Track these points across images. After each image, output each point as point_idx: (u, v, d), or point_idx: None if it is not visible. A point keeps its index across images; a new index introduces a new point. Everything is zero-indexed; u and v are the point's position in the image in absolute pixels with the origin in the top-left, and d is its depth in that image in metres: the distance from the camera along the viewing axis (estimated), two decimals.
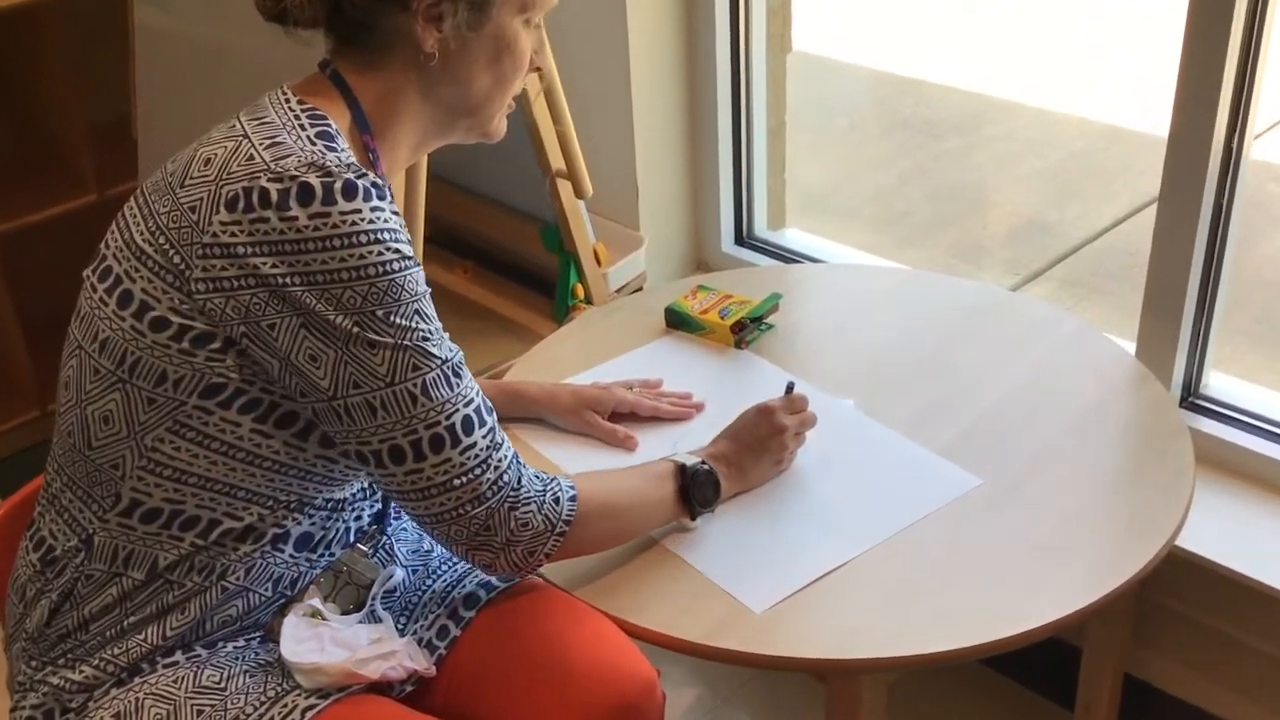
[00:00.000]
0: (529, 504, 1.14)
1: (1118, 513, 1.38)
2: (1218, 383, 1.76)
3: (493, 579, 1.28)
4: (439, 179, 2.05)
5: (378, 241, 1.06)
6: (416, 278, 1.09)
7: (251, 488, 1.14)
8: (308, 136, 1.10)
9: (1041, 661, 1.84)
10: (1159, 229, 1.65)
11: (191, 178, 1.10)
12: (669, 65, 2.08)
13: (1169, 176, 1.62)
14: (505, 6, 1.16)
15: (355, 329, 1.06)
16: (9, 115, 2.53)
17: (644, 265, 2.14)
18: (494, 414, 1.15)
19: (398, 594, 1.29)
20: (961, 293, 1.82)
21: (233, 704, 1.13)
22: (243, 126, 1.11)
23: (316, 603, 1.22)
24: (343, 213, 1.05)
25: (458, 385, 1.10)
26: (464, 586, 1.28)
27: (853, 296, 1.82)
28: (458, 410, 1.10)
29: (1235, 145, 1.58)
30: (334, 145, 1.10)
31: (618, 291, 2.09)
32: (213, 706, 1.13)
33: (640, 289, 2.10)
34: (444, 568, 1.31)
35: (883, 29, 4.94)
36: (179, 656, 1.18)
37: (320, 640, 1.18)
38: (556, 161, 1.88)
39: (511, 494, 1.13)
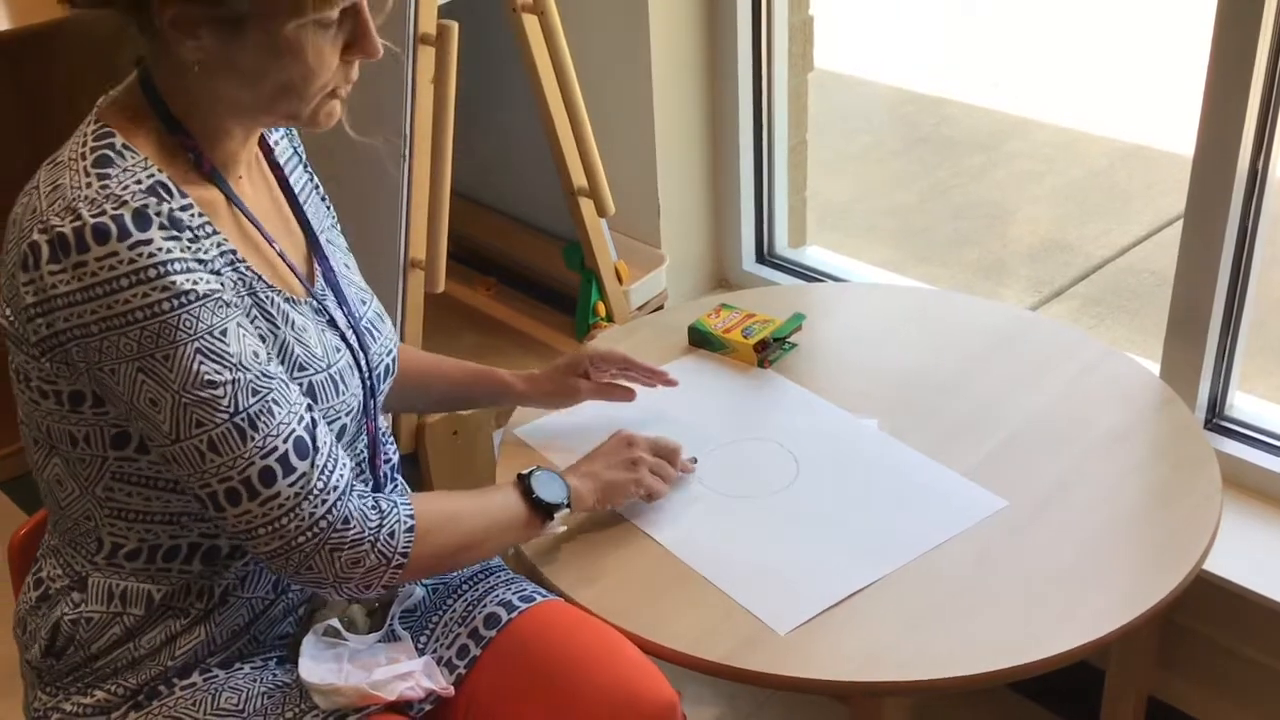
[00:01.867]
0: (358, 544, 1.10)
1: (1144, 537, 1.37)
2: (1243, 404, 1.75)
3: (513, 598, 1.28)
4: (461, 196, 2.06)
5: (141, 282, 1.00)
6: (196, 314, 1.03)
7: None
8: (84, 168, 1.04)
9: (1065, 684, 1.82)
10: (1183, 250, 1.65)
11: (6, 240, 1.08)
12: (691, 84, 2.08)
13: (1194, 197, 1.61)
14: (269, 19, 1.04)
15: (141, 377, 1.03)
16: (32, 135, 2.56)
17: (665, 283, 2.14)
18: (318, 450, 1.08)
19: (418, 613, 1.29)
20: (984, 314, 1.82)
21: None
22: (39, 175, 1.08)
23: (335, 622, 1.22)
24: (98, 259, 1.00)
25: (253, 437, 1.05)
26: (485, 606, 1.27)
27: (875, 316, 1.82)
28: (253, 464, 1.05)
29: (1260, 166, 1.57)
30: (108, 171, 1.04)
31: (639, 309, 2.09)
32: None
33: (661, 307, 2.10)
34: (465, 586, 1.31)
35: (904, 47, 4.94)
36: (196, 678, 1.18)
37: (338, 660, 1.18)
38: (578, 179, 1.89)
39: (335, 535, 1.09)
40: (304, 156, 1.31)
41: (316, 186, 1.31)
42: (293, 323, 1.13)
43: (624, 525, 1.40)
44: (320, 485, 1.08)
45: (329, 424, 1.15)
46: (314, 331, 1.16)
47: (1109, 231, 3.43)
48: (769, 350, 1.68)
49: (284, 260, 1.16)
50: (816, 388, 1.62)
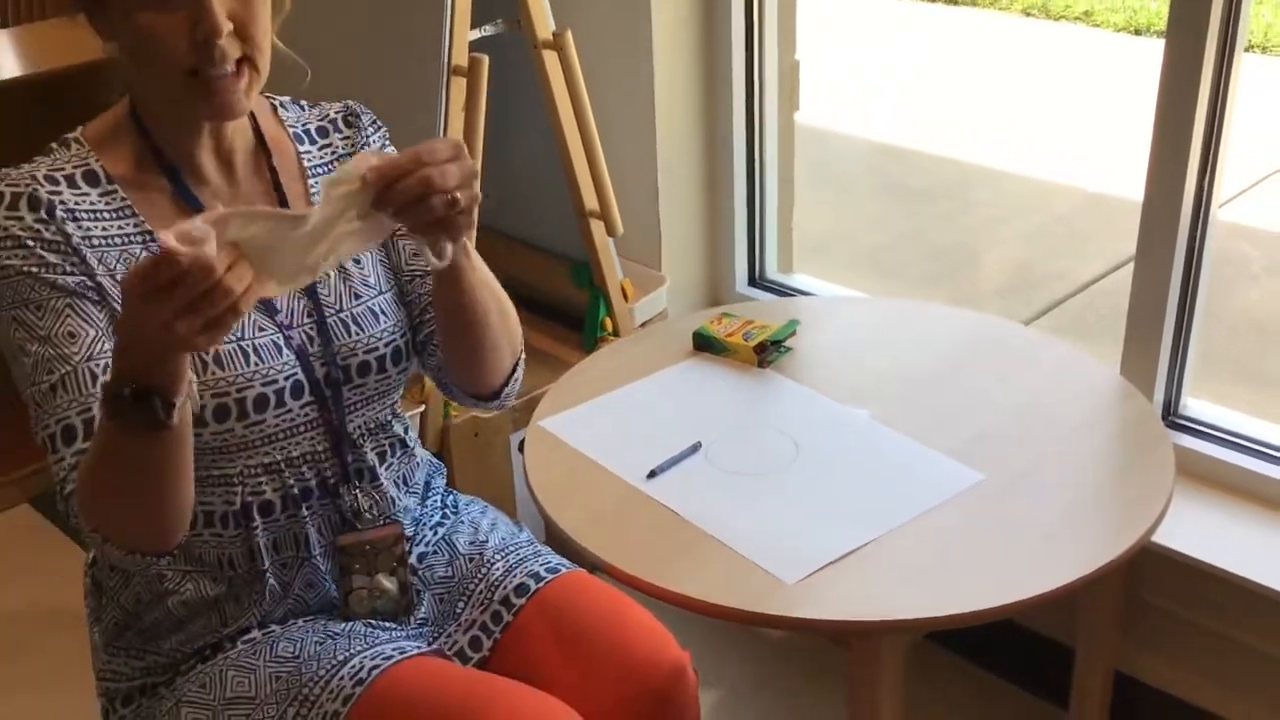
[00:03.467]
0: (73, 519, 1.17)
1: (1108, 503, 1.55)
2: (1195, 405, 1.94)
3: (540, 570, 1.38)
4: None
5: None
6: (8, 287, 1.15)
7: (199, 473, 1.18)
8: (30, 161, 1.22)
9: (1036, 662, 1.99)
10: (1138, 273, 1.83)
11: None
12: (690, 120, 2.27)
13: (1145, 231, 1.80)
14: (116, 6, 1.14)
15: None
16: None
17: (666, 302, 2.31)
18: (73, 445, 1.14)
19: (455, 579, 1.42)
20: (963, 321, 2.00)
21: (306, 669, 1.25)
22: None
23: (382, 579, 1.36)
24: None
25: (46, 405, 1.15)
26: (515, 576, 1.38)
27: (862, 324, 1.99)
28: (48, 427, 1.15)
29: (1203, 206, 1.76)
30: (41, 159, 1.22)
31: (641, 326, 2.26)
32: (289, 673, 1.25)
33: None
34: (497, 558, 1.41)
35: (872, 101, 5.19)
36: (256, 633, 1.31)
37: None
38: (590, 202, 2.07)
39: (74, 518, 1.16)
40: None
41: None
42: None
43: (644, 499, 1.56)
44: (60, 478, 1.15)
45: (240, 391, 1.21)
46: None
47: (1072, 269, 3.65)
48: (767, 352, 1.85)
49: None
50: (811, 384, 1.79)
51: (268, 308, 1.28)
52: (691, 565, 1.45)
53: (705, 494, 1.57)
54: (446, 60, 1.77)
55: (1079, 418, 1.69)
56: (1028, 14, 6.32)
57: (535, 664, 1.32)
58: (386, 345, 1.33)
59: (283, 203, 1.31)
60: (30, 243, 1.17)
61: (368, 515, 1.36)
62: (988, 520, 1.50)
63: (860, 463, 1.62)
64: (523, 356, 1.42)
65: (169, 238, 0.91)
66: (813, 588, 1.40)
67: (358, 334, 1.31)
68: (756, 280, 2.45)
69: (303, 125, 1.37)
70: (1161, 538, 1.63)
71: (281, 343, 1.26)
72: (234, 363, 1.23)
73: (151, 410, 1.01)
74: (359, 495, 1.35)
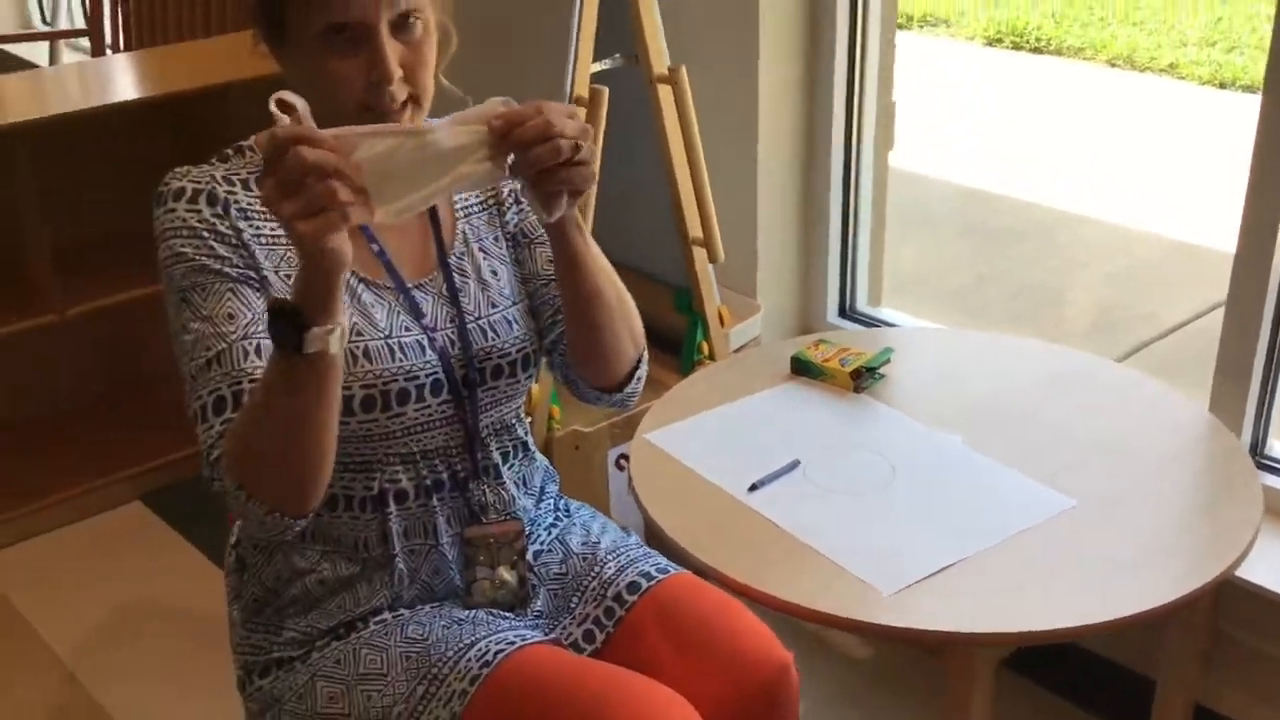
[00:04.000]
0: (215, 484, 1.25)
1: (1196, 533, 1.59)
2: None
3: (651, 570, 1.47)
4: None
5: (162, 238, 1.29)
6: (180, 272, 1.26)
7: (342, 458, 1.29)
8: (209, 161, 1.33)
9: (1116, 693, 2.02)
10: (1228, 317, 1.88)
11: None
12: (790, 155, 2.36)
13: (1237, 275, 1.85)
14: (297, 29, 1.24)
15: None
16: None
17: (760, 329, 2.40)
18: (222, 414, 1.22)
19: (568, 576, 1.51)
20: (1054, 355, 2.05)
21: (435, 650, 1.34)
22: None
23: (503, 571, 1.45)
24: (155, 216, 1.30)
25: (200, 378, 1.24)
26: (626, 575, 1.46)
27: (954, 355, 2.06)
28: (200, 399, 1.24)
29: None
30: (214, 160, 1.33)
31: (736, 351, 2.35)
32: (418, 654, 1.34)
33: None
34: (609, 557, 1.49)
35: (958, 145, 5.25)
36: (386, 615, 1.41)
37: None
38: (694, 230, 2.16)
39: (215, 481, 1.24)
40: (500, 188, 1.48)
41: (499, 205, 1.48)
42: (359, 298, 1.34)
43: (746, 510, 1.64)
44: (213, 443, 1.23)
45: (386, 384, 1.32)
46: (383, 310, 1.35)
47: (1156, 313, 3.67)
48: (863, 378, 1.93)
49: (381, 256, 1.37)
50: (905, 409, 1.86)
51: (414, 311, 1.38)
52: (791, 573, 1.52)
53: (804, 508, 1.64)
54: (569, 90, 1.88)
55: (1167, 452, 1.74)
56: (1113, 64, 6.35)
57: (645, 658, 1.39)
58: (518, 352, 1.43)
59: (435, 222, 1.43)
60: (205, 234, 1.28)
61: (492, 511, 1.45)
62: (1078, 544, 1.55)
63: (954, 485, 1.68)
64: (645, 355, 1.50)
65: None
66: (909, 599, 1.46)
67: (494, 339, 1.41)
68: (847, 312, 2.52)
69: None
70: (1246, 572, 1.67)
71: (425, 343, 1.37)
72: (381, 357, 1.33)
73: (292, 325, 1.10)
74: (485, 491, 1.45)
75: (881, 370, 1.96)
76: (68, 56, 4.35)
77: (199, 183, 1.30)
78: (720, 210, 2.22)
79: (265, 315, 1.24)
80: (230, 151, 1.36)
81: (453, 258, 1.43)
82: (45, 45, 4.39)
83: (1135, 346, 3.50)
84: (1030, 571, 1.51)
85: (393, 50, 1.25)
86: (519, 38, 1.97)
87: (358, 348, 1.32)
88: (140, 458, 2.71)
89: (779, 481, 1.70)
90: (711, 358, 2.29)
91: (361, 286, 1.36)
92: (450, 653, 1.34)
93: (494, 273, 1.45)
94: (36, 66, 4.38)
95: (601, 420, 2.16)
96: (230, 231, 1.29)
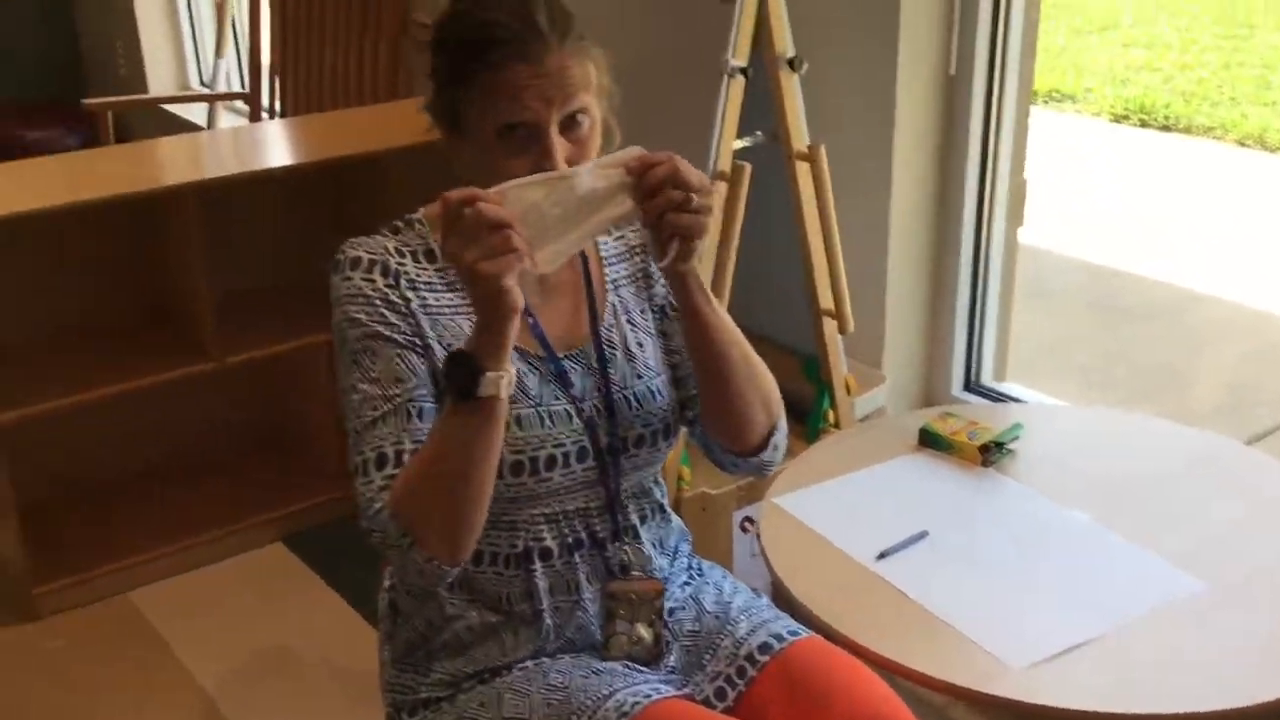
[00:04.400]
0: (374, 534, 1.32)
1: None
2: None
3: (783, 632, 1.50)
4: None
5: (338, 304, 1.38)
6: (354, 335, 1.36)
7: (489, 517, 1.35)
8: (385, 228, 1.44)
9: None
10: None
11: None
12: (920, 230, 2.42)
13: None
14: (473, 125, 1.34)
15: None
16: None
17: (884, 400, 2.44)
18: (384, 468, 1.31)
19: (701, 633, 1.56)
20: (1185, 436, 2.05)
21: (575, 699, 1.39)
22: None
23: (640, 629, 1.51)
24: (333, 282, 1.39)
25: (365, 434, 1.33)
26: (759, 635, 1.50)
27: (1082, 432, 2.07)
28: (363, 454, 1.33)
29: None
30: (385, 232, 1.43)
31: (860, 420, 2.39)
32: (559, 700, 1.40)
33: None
34: (741, 617, 1.54)
35: (1084, 221, 5.22)
36: (529, 663, 1.47)
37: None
38: (825, 301, 2.22)
39: (375, 532, 1.32)
40: (649, 264, 1.56)
41: (647, 278, 1.57)
42: (514, 368, 1.40)
43: (874, 578, 1.67)
44: (372, 497, 1.31)
45: (534, 450, 1.40)
46: (534, 380, 1.42)
47: None
48: (991, 453, 1.95)
49: (535, 328, 1.44)
50: (1032, 485, 1.88)
51: (563, 381, 1.46)
52: (920, 642, 1.55)
53: (933, 578, 1.67)
54: (712, 166, 1.96)
55: None
56: (1243, 144, 6.26)
57: (775, 718, 1.44)
58: (660, 421, 1.50)
59: (589, 295, 1.50)
60: (378, 302, 1.38)
61: (633, 568, 1.51)
62: (1209, 626, 1.55)
63: (1082, 561, 1.69)
64: (783, 422, 1.55)
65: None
66: (1040, 675, 1.48)
67: (638, 410, 1.48)
68: (971, 385, 2.54)
69: None
70: None
71: (573, 412, 1.44)
72: (531, 425, 1.41)
73: (468, 372, 1.23)
74: (625, 550, 1.51)
75: (1010, 446, 1.98)
76: (224, 118, 4.62)
77: (374, 254, 1.40)
78: (850, 282, 2.28)
79: (429, 380, 1.35)
80: (400, 224, 1.46)
81: (602, 329, 1.50)
82: (203, 107, 4.67)
83: (1265, 430, 3.43)
84: (1161, 653, 1.51)
85: (560, 148, 1.33)
86: (666, 115, 2.07)
87: (510, 415, 1.39)
88: (283, 502, 2.85)
89: (907, 551, 1.73)
90: (837, 426, 2.34)
91: (515, 356, 1.42)
92: (589, 702, 1.39)
93: (639, 344, 1.51)
94: (196, 126, 4.66)
95: (729, 483, 2.22)
96: (400, 301, 1.39)
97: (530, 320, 1.46)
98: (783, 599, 1.67)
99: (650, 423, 1.49)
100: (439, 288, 1.43)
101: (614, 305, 1.52)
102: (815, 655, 1.48)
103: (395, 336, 1.37)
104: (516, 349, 1.43)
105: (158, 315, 2.82)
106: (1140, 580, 1.65)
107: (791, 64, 2.03)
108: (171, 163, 2.83)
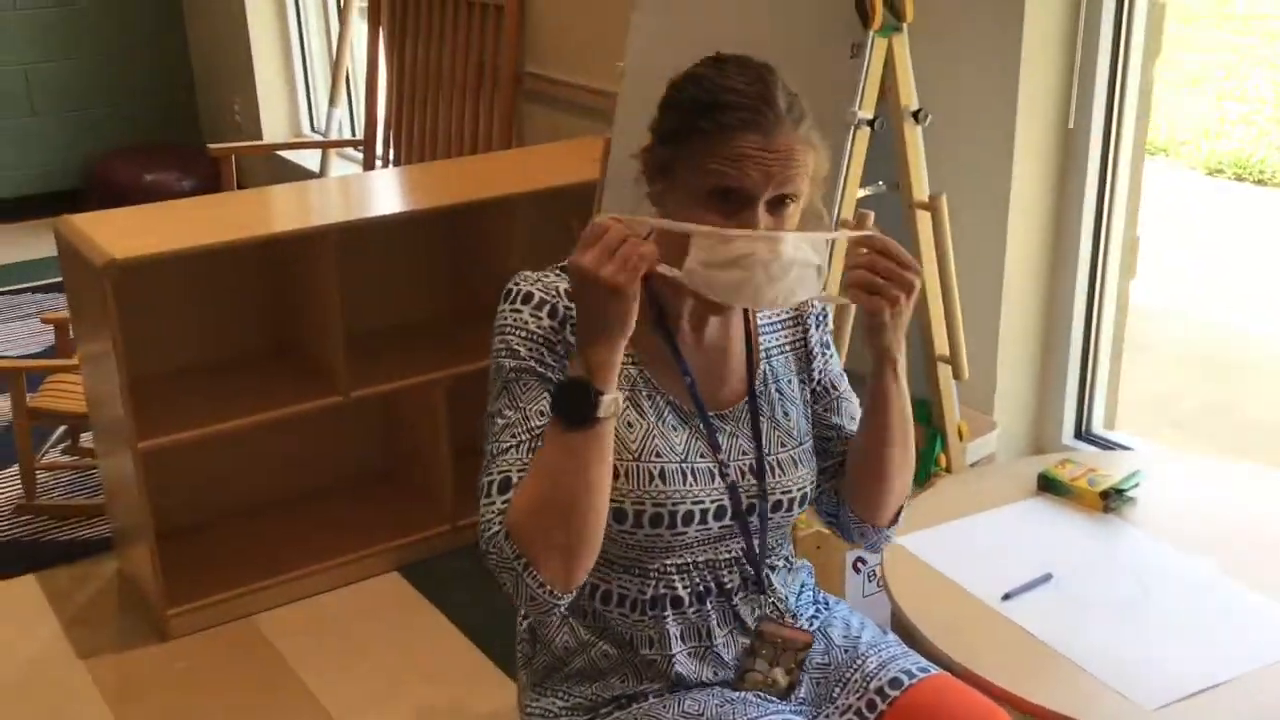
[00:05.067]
0: (490, 556, 1.36)
1: None
2: None
3: (913, 668, 1.54)
4: None
5: (494, 333, 1.44)
6: (510, 365, 1.41)
7: (606, 557, 1.43)
8: (553, 269, 1.47)
9: None
10: None
11: None
12: (1034, 283, 2.46)
13: None
14: (684, 182, 1.39)
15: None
16: (461, 285, 3.13)
17: (995, 446, 2.47)
18: (506, 493, 1.36)
19: (830, 666, 1.60)
20: None
21: None
22: None
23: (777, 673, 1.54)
24: (501, 309, 1.45)
25: (498, 458, 1.39)
26: (889, 671, 1.54)
27: (1203, 480, 2.09)
28: (491, 476, 1.39)
29: None
30: (560, 274, 1.45)
31: (971, 466, 2.42)
32: None
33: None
34: (870, 652, 1.58)
35: (1181, 274, 5.19)
36: (665, 694, 1.52)
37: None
38: (941, 347, 2.27)
39: (491, 554, 1.36)
40: (809, 338, 1.60)
41: (808, 353, 1.59)
42: (665, 420, 1.47)
43: (1000, 618, 1.71)
44: (499, 520, 1.35)
45: (674, 505, 1.44)
46: (683, 436, 1.47)
47: None
48: (1111, 499, 1.98)
49: (691, 386, 1.49)
50: (1154, 531, 1.90)
51: (711, 439, 1.50)
52: (1047, 682, 1.58)
53: (1058, 620, 1.70)
54: (837, 213, 2.03)
55: None
56: None
57: None
58: (799, 490, 1.55)
59: (749, 359, 1.54)
60: (539, 340, 1.44)
61: (769, 609, 1.56)
62: None
63: (1208, 607, 1.71)
64: (908, 500, 1.60)
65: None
66: (1170, 717, 1.50)
67: (781, 477, 1.53)
68: (1082, 434, 2.56)
69: None
70: None
71: (716, 472, 1.49)
72: (674, 480, 1.46)
73: (586, 396, 1.29)
74: (760, 600, 1.56)
75: (1130, 493, 2.01)
76: (335, 165, 4.79)
77: (547, 294, 1.45)
78: (964, 329, 2.32)
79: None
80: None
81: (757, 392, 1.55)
82: (316, 154, 4.85)
83: None
84: None
85: (764, 224, 1.37)
86: None
87: (655, 468, 1.45)
88: (400, 533, 2.94)
89: (1032, 593, 1.76)
90: (948, 470, 2.37)
91: (669, 410, 1.49)
92: None
93: (785, 414, 1.55)
94: (310, 172, 4.84)
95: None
96: (561, 344, 1.44)
97: (688, 380, 1.50)
98: (906, 635, 1.71)
99: (789, 490, 1.53)
100: None
101: (765, 372, 1.56)
102: (947, 693, 1.52)
103: (549, 375, 1.43)
104: (670, 402, 1.49)
105: (290, 350, 2.94)
106: (1267, 627, 1.66)
107: (916, 116, 2.10)
108: (304, 206, 2.96)
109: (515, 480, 1.37)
